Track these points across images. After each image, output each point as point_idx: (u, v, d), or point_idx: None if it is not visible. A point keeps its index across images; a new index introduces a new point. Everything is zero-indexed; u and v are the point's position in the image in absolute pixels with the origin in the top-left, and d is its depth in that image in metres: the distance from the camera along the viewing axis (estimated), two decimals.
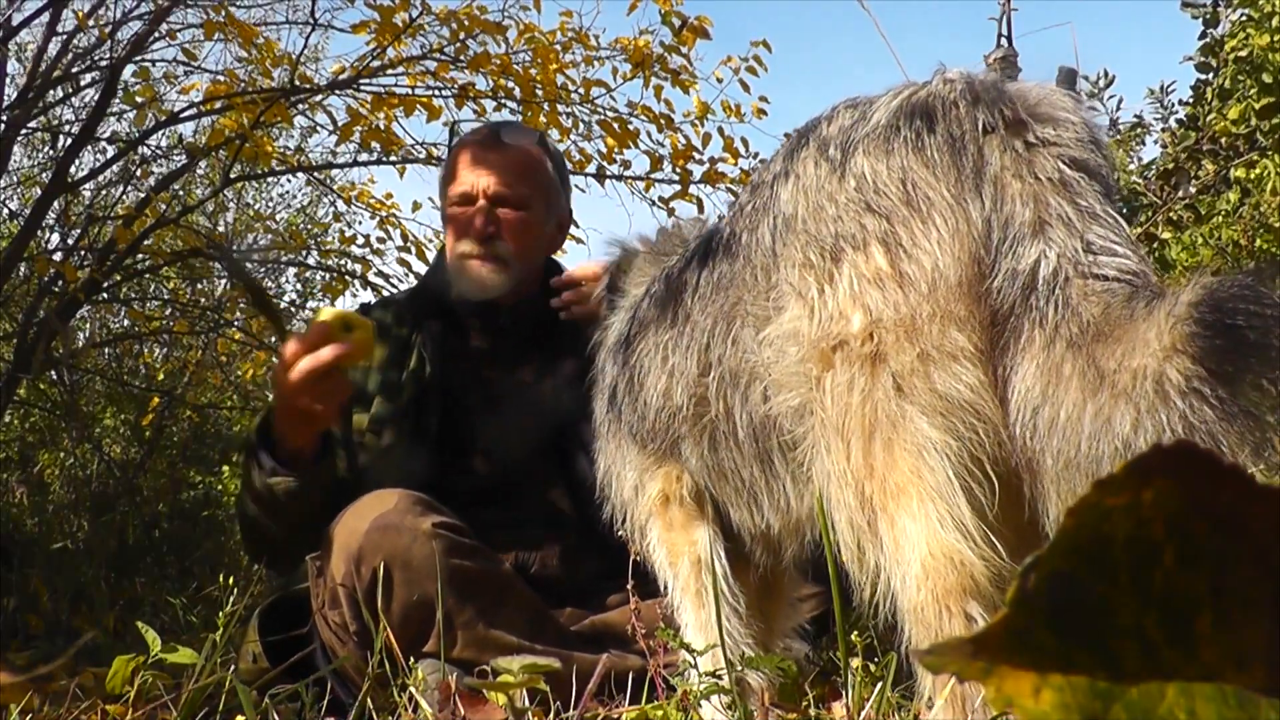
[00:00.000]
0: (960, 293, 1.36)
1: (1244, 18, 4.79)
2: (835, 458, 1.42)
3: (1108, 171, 1.42)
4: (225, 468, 6.16)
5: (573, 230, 3.22)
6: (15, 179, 6.04)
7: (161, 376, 6.64)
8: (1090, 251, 1.32)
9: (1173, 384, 1.18)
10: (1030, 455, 1.31)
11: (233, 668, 1.76)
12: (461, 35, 4.52)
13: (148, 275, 5.70)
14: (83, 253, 5.19)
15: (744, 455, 1.69)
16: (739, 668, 1.61)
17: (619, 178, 5.14)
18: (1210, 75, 5.12)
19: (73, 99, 5.20)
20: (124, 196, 5.76)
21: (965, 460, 1.35)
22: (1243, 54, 4.65)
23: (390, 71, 4.68)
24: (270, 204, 7.88)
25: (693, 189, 5.04)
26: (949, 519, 1.34)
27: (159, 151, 5.61)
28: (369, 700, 1.70)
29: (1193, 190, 4.83)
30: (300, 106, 4.82)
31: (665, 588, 1.89)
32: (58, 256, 5.21)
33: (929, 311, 1.36)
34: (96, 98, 4.72)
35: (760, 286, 1.59)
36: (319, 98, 4.71)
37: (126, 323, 6.36)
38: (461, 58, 4.58)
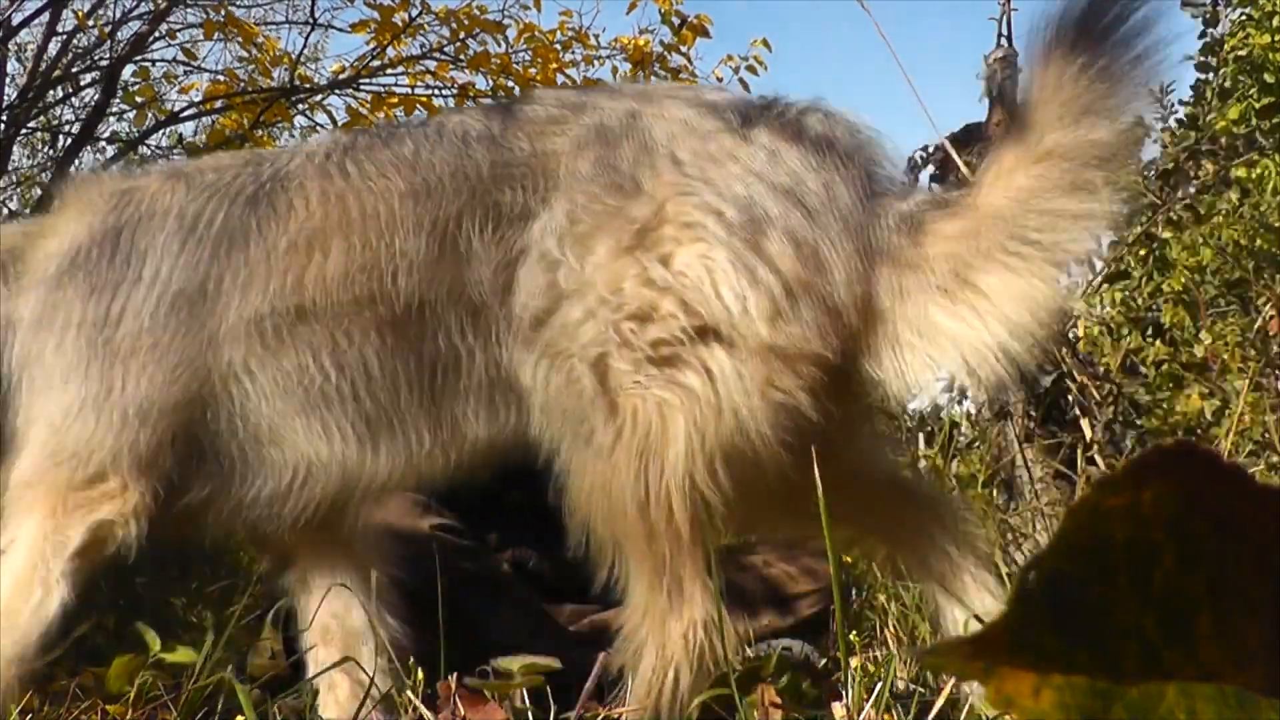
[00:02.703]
0: None
1: (1244, 17, 4.79)
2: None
3: None
4: None
5: None
6: (15, 179, 6.03)
7: None
8: None
9: None
10: None
11: (230, 667, 1.76)
12: (461, 35, 4.52)
13: None
14: None
15: (420, 364, 1.57)
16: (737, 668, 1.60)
17: None
18: (1210, 75, 5.12)
19: (73, 99, 5.20)
20: None
21: None
22: (1243, 53, 4.65)
23: (390, 71, 4.68)
24: None
25: None
26: None
27: (159, 151, 5.61)
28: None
29: (1192, 190, 4.83)
30: (300, 106, 4.82)
31: None
32: None
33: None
34: (96, 98, 4.72)
35: (611, 203, 1.53)
36: (319, 97, 4.72)
37: None
38: (461, 57, 4.58)
